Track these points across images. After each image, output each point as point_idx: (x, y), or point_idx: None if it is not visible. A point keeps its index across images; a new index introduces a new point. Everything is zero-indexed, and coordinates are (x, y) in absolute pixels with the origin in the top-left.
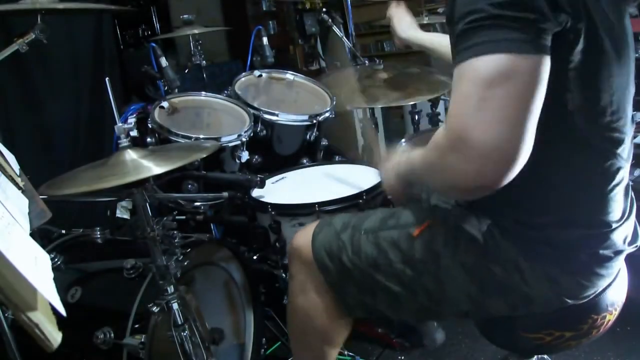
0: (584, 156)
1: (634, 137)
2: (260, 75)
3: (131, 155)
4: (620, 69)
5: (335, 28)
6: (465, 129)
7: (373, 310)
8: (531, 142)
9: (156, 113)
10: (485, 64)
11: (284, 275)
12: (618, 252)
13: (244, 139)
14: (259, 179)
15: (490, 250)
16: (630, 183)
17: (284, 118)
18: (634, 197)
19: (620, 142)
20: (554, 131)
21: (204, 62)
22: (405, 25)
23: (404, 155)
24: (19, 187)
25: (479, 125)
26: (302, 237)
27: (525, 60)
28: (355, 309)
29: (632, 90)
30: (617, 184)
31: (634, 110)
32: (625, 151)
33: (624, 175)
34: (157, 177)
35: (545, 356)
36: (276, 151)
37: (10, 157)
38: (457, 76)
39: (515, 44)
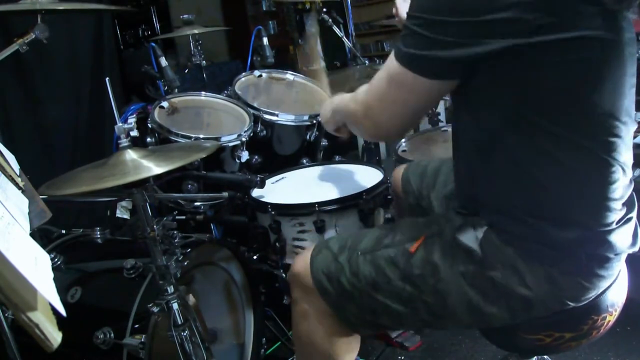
0: (581, 158)
1: (634, 137)
2: (260, 75)
3: (131, 155)
4: (614, 72)
5: (335, 28)
6: (370, 103)
7: (376, 327)
8: (409, 126)
9: (156, 113)
10: (395, 67)
11: (284, 275)
12: (618, 254)
13: (244, 139)
14: (259, 179)
15: (488, 258)
16: (632, 184)
17: (284, 118)
18: (634, 197)
19: (617, 143)
20: (550, 134)
21: (204, 62)
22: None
23: (343, 98)
24: (19, 187)
25: (377, 106)
26: (300, 262)
27: (423, 82)
28: (358, 327)
29: (629, 92)
30: (616, 185)
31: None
32: (624, 152)
33: (623, 180)
34: (157, 177)
35: (545, 356)
36: (276, 151)
37: (10, 157)
38: (389, 58)
39: (422, 65)
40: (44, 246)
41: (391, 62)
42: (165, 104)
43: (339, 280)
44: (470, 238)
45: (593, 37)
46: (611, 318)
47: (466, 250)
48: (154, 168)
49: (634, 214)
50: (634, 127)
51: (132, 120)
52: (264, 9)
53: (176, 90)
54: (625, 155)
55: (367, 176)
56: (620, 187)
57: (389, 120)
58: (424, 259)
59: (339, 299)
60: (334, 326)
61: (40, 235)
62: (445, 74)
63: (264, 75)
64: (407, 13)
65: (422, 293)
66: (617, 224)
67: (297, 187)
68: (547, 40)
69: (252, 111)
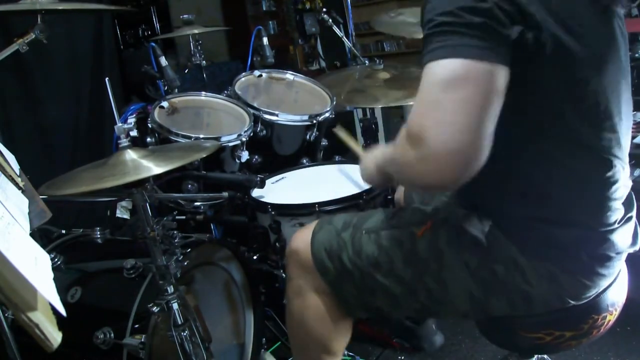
0: (581, 157)
1: (634, 137)
2: (260, 75)
3: (131, 155)
4: (612, 71)
5: (335, 28)
6: (421, 129)
7: (373, 309)
8: (488, 145)
9: (156, 113)
10: (442, 68)
11: (284, 275)
12: (619, 253)
13: (243, 139)
14: (259, 179)
15: (492, 250)
16: (631, 183)
17: (284, 118)
18: (634, 197)
19: (616, 142)
20: (549, 133)
21: (204, 62)
22: None
23: (384, 148)
24: (19, 187)
25: (433, 126)
26: (300, 238)
27: (479, 67)
28: (355, 308)
29: (626, 90)
30: (616, 185)
31: (633, 111)
32: (623, 152)
33: (622, 176)
34: (157, 177)
35: (545, 356)
36: (276, 151)
37: (10, 157)
38: (422, 79)
39: (471, 50)
40: (44, 246)
41: (434, 71)
42: (165, 104)
43: (340, 258)
44: (477, 228)
45: (592, 37)
46: (611, 317)
47: (472, 239)
48: (153, 168)
49: (633, 214)
50: (630, 124)
51: (132, 120)
52: (264, 9)
53: (176, 90)
54: (624, 153)
55: None
56: (621, 186)
57: (452, 136)
58: (430, 244)
59: (338, 277)
60: (329, 306)
61: (40, 235)
62: (506, 56)
63: (264, 75)
64: (430, 17)
65: (423, 277)
66: (617, 223)
67: (297, 187)
68: (557, 38)
69: (252, 111)
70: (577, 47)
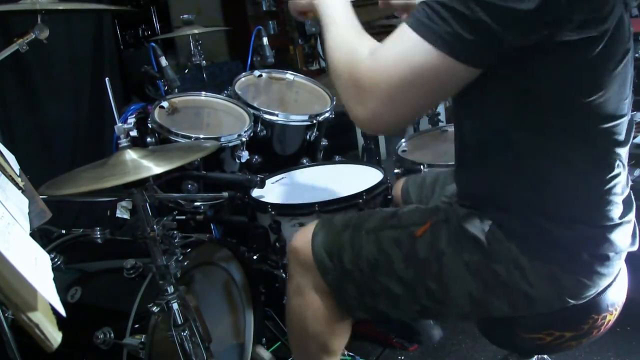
0: (583, 156)
1: (634, 137)
2: (260, 75)
3: (131, 155)
4: (617, 68)
5: None
6: (374, 81)
7: (373, 310)
8: (417, 117)
9: (156, 113)
10: (423, 52)
11: (284, 275)
12: (619, 252)
13: (244, 139)
14: (259, 179)
15: (493, 250)
16: (630, 183)
17: (283, 118)
18: (632, 196)
19: (618, 141)
20: (553, 131)
21: (204, 62)
22: None
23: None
24: (19, 187)
25: (384, 89)
26: (301, 237)
27: (458, 67)
28: (355, 309)
29: (629, 89)
30: (616, 184)
31: (633, 110)
32: (624, 151)
33: (622, 176)
34: (157, 177)
35: (545, 356)
36: (276, 151)
37: (10, 157)
38: (401, 34)
39: (465, 52)
40: (44, 246)
41: (415, 45)
42: (165, 104)
43: (340, 258)
44: (477, 227)
45: (601, 38)
46: (611, 317)
47: (472, 239)
48: (153, 168)
49: (633, 213)
50: (628, 119)
51: (132, 120)
52: (264, 9)
53: (176, 90)
54: (624, 150)
55: (367, 176)
56: (621, 183)
57: (391, 111)
58: (429, 243)
59: (339, 278)
60: (329, 305)
61: (40, 235)
62: (484, 61)
63: (264, 75)
64: None
65: (424, 277)
66: (617, 222)
67: (297, 187)
68: (571, 37)
69: (252, 111)
70: (596, 44)
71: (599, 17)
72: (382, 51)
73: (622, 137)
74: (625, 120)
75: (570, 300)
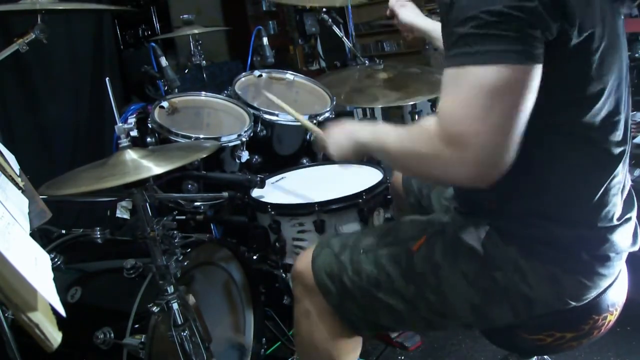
0: (582, 157)
1: (634, 137)
2: (260, 75)
3: (131, 155)
4: (614, 68)
5: (335, 28)
6: (467, 133)
7: (378, 327)
8: (516, 144)
9: (156, 113)
10: (490, 74)
11: (284, 275)
12: (619, 253)
13: (244, 139)
14: (259, 179)
15: (490, 257)
16: (631, 183)
17: (284, 118)
18: (634, 197)
19: (617, 142)
20: (552, 132)
21: (204, 62)
22: (409, 10)
23: (367, 126)
24: (19, 187)
25: (482, 131)
26: (303, 261)
27: (523, 71)
28: (361, 327)
29: (626, 89)
30: (616, 185)
31: (633, 110)
32: (623, 152)
33: (622, 176)
34: (157, 177)
35: (546, 356)
36: (276, 151)
37: (10, 157)
38: (454, 79)
39: (514, 55)
40: (44, 246)
41: (476, 75)
42: (165, 104)
43: (341, 280)
44: (473, 237)
45: (600, 34)
46: (612, 318)
47: (468, 249)
48: (154, 168)
49: (633, 214)
50: (627, 118)
51: (132, 120)
52: (264, 9)
53: (176, 90)
54: (623, 150)
55: (367, 176)
56: (621, 183)
57: (499, 141)
58: (425, 257)
59: (341, 298)
60: (336, 326)
61: (40, 235)
62: (542, 54)
63: (264, 75)
64: (465, 17)
65: (424, 292)
66: (617, 222)
67: (297, 187)
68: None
69: (252, 111)
70: (595, 43)
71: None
72: (446, 105)
73: (620, 137)
74: (622, 121)
75: (570, 302)
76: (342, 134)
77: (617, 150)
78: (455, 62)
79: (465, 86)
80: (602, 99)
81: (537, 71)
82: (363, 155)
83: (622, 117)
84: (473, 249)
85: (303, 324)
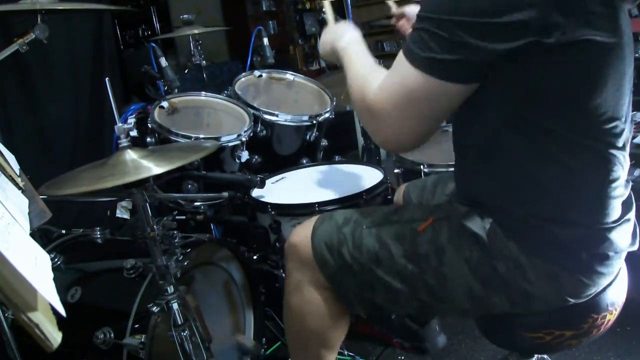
0: (582, 157)
1: (634, 137)
2: (260, 75)
3: (131, 155)
4: (614, 72)
5: None
6: (384, 112)
7: (372, 305)
8: (428, 136)
9: (156, 113)
10: (415, 77)
11: (284, 275)
12: (618, 252)
13: (243, 139)
14: (259, 179)
15: (493, 247)
16: (631, 183)
17: (284, 118)
18: (633, 197)
19: (617, 142)
20: (551, 134)
21: (204, 62)
22: (413, 7)
23: (352, 39)
24: (19, 187)
25: (395, 117)
26: (300, 233)
27: (445, 87)
28: (354, 303)
29: (629, 90)
30: (615, 183)
31: (633, 110)
32: (623, 154)
33: (622, 178)
34: (157, 177)
35: (545, 356)
36: (276, 151)
37: (10, 157)
38: (398, 63)
39: (441, 71)
40: (44, 246)
41: (407, 71)
42: (165, 104)
43: (340, 252)
44: (478, 225)
45: (597, 40)
46: (611, 317)
47: (473, 236)
48: (154, 168)
49: (632, 213)
50: (631, 124)
51: (132, 120)
52: (264, 9)
53: (176, 90)
54: (623, 153)
55: (367, 176)
56: (621, 186)
57: (401, 134)
58: (431, 239)
59: (338, 272)
60: (329, 301)
61: (40, 235)
62: (472, 76)
63: (264, 75)
64: (420, 14)
65: (424, 273)
66: (617, 222)
67: (297, 187)
68: (561, 41)
69: (252, 111)
70: (590, 51)
71: (570, 22)
72: (385, 81)
73: (620, 140)
74: (621, 123)
75: (570, 299)
76: (332, 34)
77: (616, 153)
78: (404, 48)
79: (398, 75)
80: (596, 105)
81: (459, 89)
82: (338, 61)
83: (622, 121)
84: (478, 237)
85: (294, 298)
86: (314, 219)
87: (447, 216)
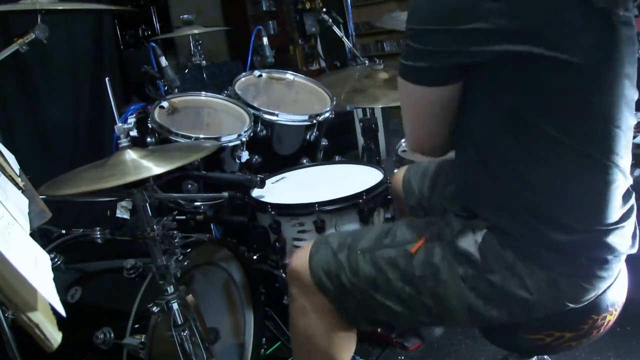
0: (579, 162)
1: (634, 137)
2: (260, 75)
3: (131, 155)
4: (609, 77)
5: (335, 28)
6: (404, 126)
7: (376, 322)
8: (444, 137)
9: (156, 113)
10: (404, 87)
11: (284, 275)
12: (618, 255)
13: (244, 139)
14: (259, 179)
15: (487, 261)
16: (630, 184)
17: (284, 118)
18: (633, 199)
19: (615, 146)
20: (548, 138)
21: (204, 62)
22: None
23: None
24: (19, 187)
25: (405, 125)
26: (299, 258)
27: (418, 90)
28: (359, 321)
29: (629, 93)
30: (614, 191)
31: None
32: (622, 155)
33: (621, 183)
34: (157, 177)
35: (546, 356)
36: (276, 151)
37: (10, 157)
38: (399, 86)
39: (411, 72)
40: (44, 246)
41: (400, 85)
42: (165, 104)
43: (339, 278)
44: (469, 242)
45: (586, 45)
46: (611, 318)
47: (465, 255)
48: (154, 168)
49: (633, 216)
50: (632, 129)
51: (132, 120)
52: (264, 9)
53: (176, 90)
54: (624, 158)
55: (367, 176)
56: (620, 190)
57: (418, 136)
58: (424, 260)
59: (339, 296)
60: (333, 321)
61: (40, 235)
62: (440, 80)
63: (264, 75)
64: (407, 27)
65: (421, 295)
66: (616, 225)
67: (297, 187)
68: (529, 50)
69: (252, 111)
70: (568, 56)
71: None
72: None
73: (619, 147)
74: (620, 130)
75: (569, 304)
76: None
77: (617, 160)
78: (400, 66)
79: (401, 97)
80: (594, 111)
81: (444, 91)
82: None
83: (620, 129)
84: (469, 255)
85: (300, 321)
86: (309, 245)
87: (439, 235)
